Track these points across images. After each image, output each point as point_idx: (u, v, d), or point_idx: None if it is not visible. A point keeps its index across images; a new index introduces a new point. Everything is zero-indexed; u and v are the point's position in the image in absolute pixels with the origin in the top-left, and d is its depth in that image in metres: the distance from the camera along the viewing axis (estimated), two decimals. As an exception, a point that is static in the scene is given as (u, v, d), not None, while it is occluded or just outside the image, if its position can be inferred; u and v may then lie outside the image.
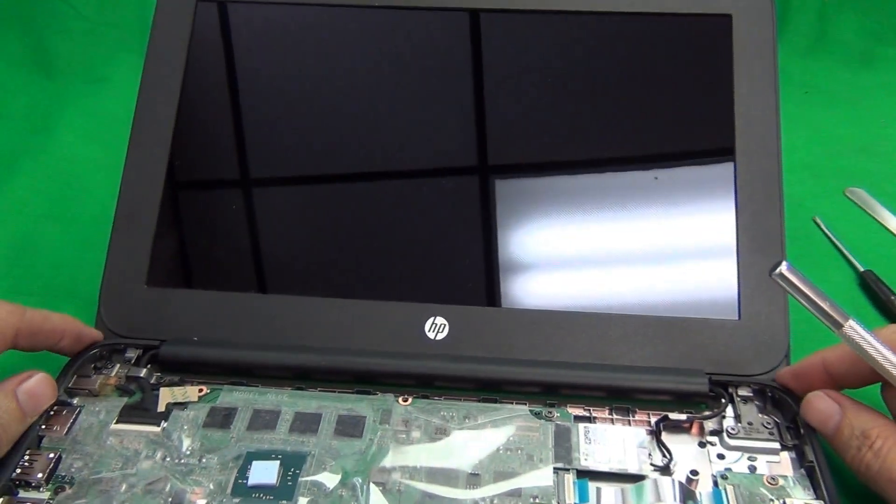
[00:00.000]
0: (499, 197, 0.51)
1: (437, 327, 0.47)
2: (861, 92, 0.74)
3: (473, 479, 0.40)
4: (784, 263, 0.36)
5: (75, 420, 0.43)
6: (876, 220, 0.60)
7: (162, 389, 0.44)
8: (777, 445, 0.42)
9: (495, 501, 0.39)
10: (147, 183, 0.50)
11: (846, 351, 0.40)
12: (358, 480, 0.40)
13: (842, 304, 0.37)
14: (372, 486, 0.40)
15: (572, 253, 0.49)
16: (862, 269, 0.55)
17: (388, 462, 0.41)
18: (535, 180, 0.52)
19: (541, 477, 0.40)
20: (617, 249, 0.49)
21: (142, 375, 0.45)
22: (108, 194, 0.52)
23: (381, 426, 0.43)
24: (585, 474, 0.41)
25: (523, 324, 0.47)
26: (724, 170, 0.49)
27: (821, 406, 0.40)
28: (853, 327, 0.36)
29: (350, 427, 0.43)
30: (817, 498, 0.39)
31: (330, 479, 0.40)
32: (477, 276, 0.49)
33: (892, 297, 0.52)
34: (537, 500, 0.39)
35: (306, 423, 0.43)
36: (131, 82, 0.53)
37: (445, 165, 0.52)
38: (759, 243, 0.47)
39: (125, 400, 0.44)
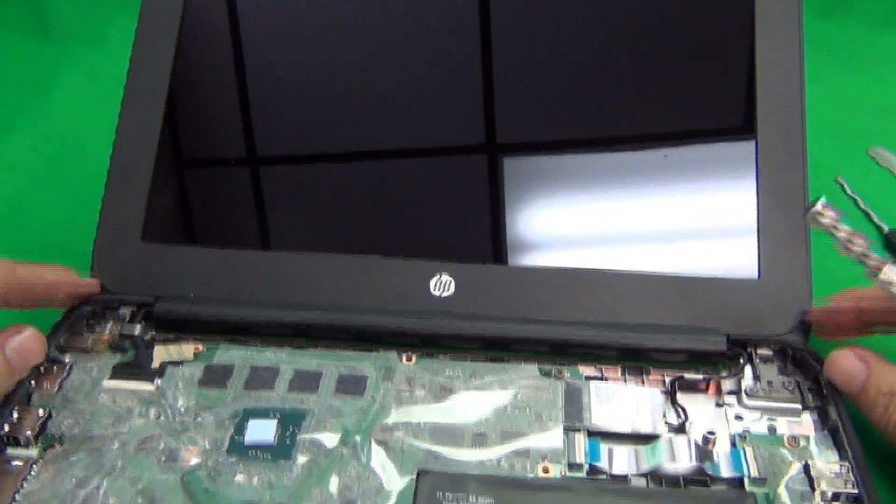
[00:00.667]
0: (507, 167, 0.49)
1: (442, 285, 0.45)
2: (882, 52, 0.72)
3: (479, 439, 0.38)
4: (820, 202, 0.34)
5: (66, 377, 0.41)
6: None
7: (156, 347, 0.43)
8: (798, 406, 0.40)
9: (502, 461, 0.37)
10: (142, 136, 0.48)
11: (881, 294, 0.38)
12: (359, 439, 0.38)
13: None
14: (373, 444, 0.38)
15: (585, 211, 0.47)
16: (886, 230, 0.53)
17: (390, 421, 0.39)
18: (543, 152, 0.49)
19: (550, 437, 0.39)
20: (632, 208, 0.47)
21: (136, 333, 0.44)
22: (105, 154, 0.50)
23: (384, 385, 0.41)
24: (597, 434, 0.39)
25: (533, 282, 0.45)
26: (747, 126, 0.46)
27: (846, 364, 0.38)
28: (890, 273, 0.34)
29: (351, 385, 0.41)
30: (841, 459, 0.37)
31: (330, 438, 0.38)
32: (485, 232, 0.47)
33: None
34: (546, 460, 0.37)
35: (306, 382, 0.41)
36: (129, 42, 0.51)
37: (453, 143, 0.50)
38: (780, 200, 0.45)
39: (118, 357, 0.43)
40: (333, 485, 0.36)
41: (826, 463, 0.37)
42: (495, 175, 0.49)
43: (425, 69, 0.50)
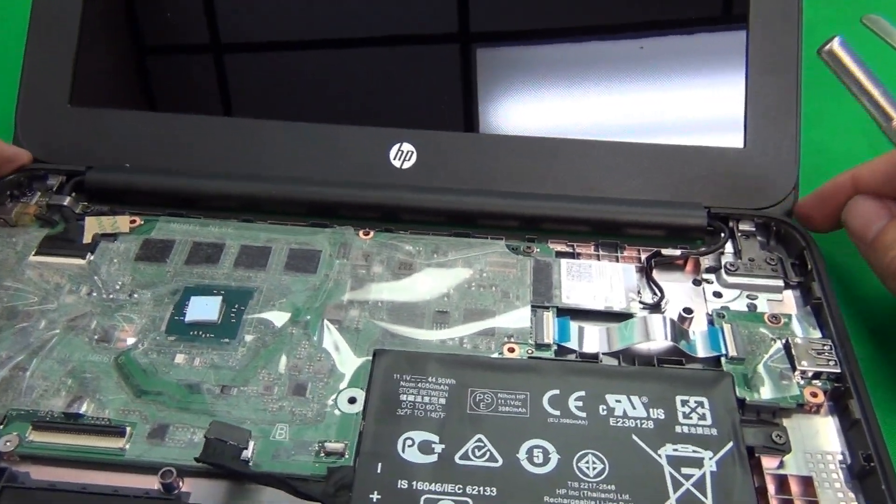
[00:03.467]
0: (479, 49, 0.44)
1: (403, 154, 0.41)
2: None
3: (441, 318, 0.36)
4: (836, 39, 0.30)
5: (-12, 252, 0.38)
6: (894, 47, 0.54)
7: (88, 219, 0.39)
8: (780, 283, 0.38)
9: (465, 341, 0.35)
10: (65, -15, 0.43)
11: (882, 165, 0.35)
12: (310, 318, 0.35)
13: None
14: (326, 323, 0.35)
15: (559, 73, 0.43)
16: (891, 94, 0.49)
17: (344, 299, 0.36)
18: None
19: (517, 316, 0.36)
20: (610, 72, 0.43)
21: (65, 204, 0.40)
22: (25, 5, 0.44)
23: (339, 261, 0.38)
24: (567, 313, 0.36)
25: (501, 151, 0.41)
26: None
27: (868, 208, 0.36)
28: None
29: (303, 261, 0.38)
30: (824, 336, 0.35)
31: (279, 317, 0.35)
32: (448, 97, 0.43)
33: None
34: (512, 340, 0.35)
35: (253, 258, 0.38)
36: None
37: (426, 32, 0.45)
38: (771, 64, 0.41)
39: (46, 231, 0.39)
40: (282, 366, 0.33)
41: (808, 341, 0.34)
42: (467, 53, 0.44)
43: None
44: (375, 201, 0.40)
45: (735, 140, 0.41)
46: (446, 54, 0.45)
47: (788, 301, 0.37)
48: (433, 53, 0.45)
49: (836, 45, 0.29)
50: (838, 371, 0.33)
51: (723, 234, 0.39)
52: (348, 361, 0.34)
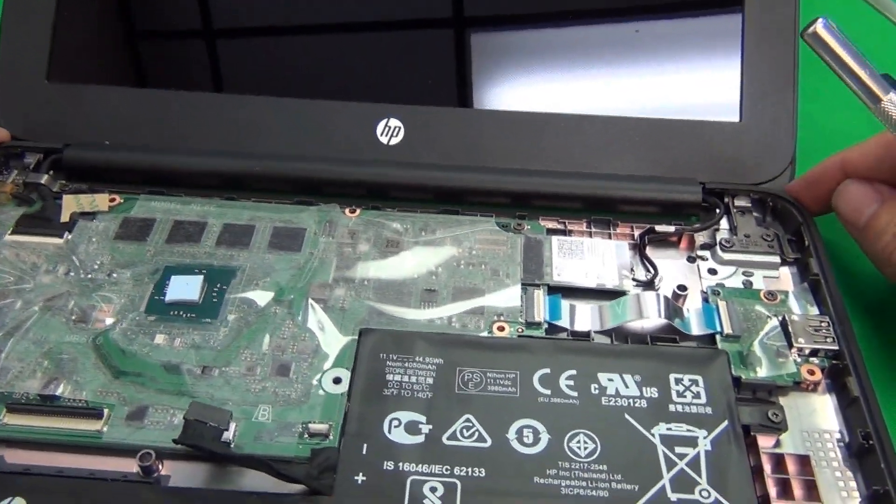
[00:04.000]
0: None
1: (390, 130, 0.40)
2: None
3: (429, 296, 0.35)
4: (820, 21, 0.29)
5: (-37, 232, 0.37)
6: (891, 20, 0.53)
7: (66, 197, 0.38)
8: (777, 259, 0.37)
9: (453, 320, 0.34)
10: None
11: (873, 147, 0.35)
12: (294, 297, 0.34)
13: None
14: (311, 302, 0.34)
15: (553, 55, 0.42)
16: (879, 73, 0.48)
17: (330, 277, 0.35)
18: None
19: (507, 294, 0.35)
20: (605, 53, 0.42)
21: (42, 182, 0.39)
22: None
23: (324, 239, 0.37)
24: (558, 291, 0.35)
25: (491, 127, 0.40)
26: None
27: (857, 194, 0.35)
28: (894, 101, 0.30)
29: (287, 240, 0.37)
30: (822, 313, 0.34)
31: (262, 296, 0.34)
32: (437, 72, 0.42)
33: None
34: (502, 319, 0.34)
35: (236, 236, 0.37)
36: None
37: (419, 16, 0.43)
38: (767, 37, 0.40)
39: (23, 210, 0.38)
40: (265, 346, 0.33)
41: (805, 318, 0.34)
42: (459, 32, 0.43)
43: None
44: (362, 178, 0.39)
45: (731, 114, 0.40)
46: (437, 33, 0.43)
47: (785, 278, 0.37)
48: (423, 32, 0.44)
49: (819, 27, 0.29)
50: (836, 348, 0.32)
51: (718, 210, 0.38)
52: (333, 341, 0.33)
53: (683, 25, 0.42)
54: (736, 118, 0.40)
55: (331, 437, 0.30)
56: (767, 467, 0.30)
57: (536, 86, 0.42)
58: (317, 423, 0.30)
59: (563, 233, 0.38)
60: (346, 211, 0.38)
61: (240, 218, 0.38)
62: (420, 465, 0.29)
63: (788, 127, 0.39)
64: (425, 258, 0.36)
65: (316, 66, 0.42)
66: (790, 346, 0.33)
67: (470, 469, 0.29)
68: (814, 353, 0.33)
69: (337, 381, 0.31)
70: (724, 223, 0.38)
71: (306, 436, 0.30)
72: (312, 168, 0.39)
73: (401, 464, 0.29)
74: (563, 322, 0.34)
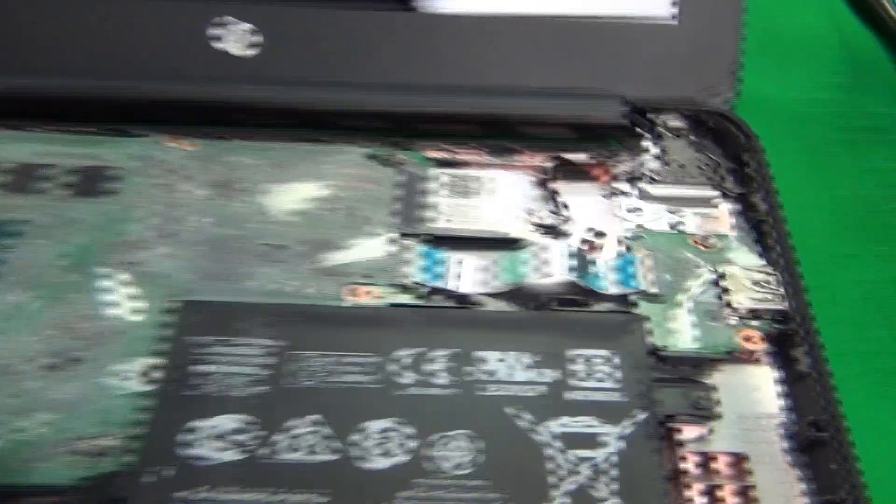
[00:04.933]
0: None
1: (228, 35, 0.31)
2: None
3: (272, 253, 0.27)
4: None
5: None
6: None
7: None
8: (714, 193, 0.30)
9: (308, 284, 0.26)
10: None
11: None
12: (93, 259, 0.26)
13: None
14: (114, 267, 0.26)
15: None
16: None
17: (142, 233, 0.27)
18: None
19: (374, 247, 0.27)
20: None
21: None
22: None
23: (138, 181, 0.29)
24: (442, 242, 0.28)
25: (361, 32, 0.32)
26: None
27: None
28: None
29: (89, 184, 0.28)
30: (768, 263, 0.27)
31: (54, 258, 0.26)
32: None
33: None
34: (365, 282, 0.26)
35: (21, 179, 0.28)
36: None
37: None
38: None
39: None
40: (42, 329, 0.25)
41: (746, 269, 0.27)
42: None
43: None
44: (191, 97, 0.30)
45: (664, 12, 0.32)
46: None
47: (724, 217, 0.30)
48: None
49: None
50: (784, 309, 0.26)
51: (645, 133, 0.31)
52: (140, 320, 0.25)
53: None
54: (669, 17, 0.32)
55: (131, 454, 0.22)
56: (692, 467, 0.23)
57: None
58: (107, 437, 0.22)
59: (452, 164, 0.30)
60: (171, 142, 0.30)
61: (23, 154, 0.29)
62: (242, 492, 0.22)
63: (732, 30, 0.32)
64: (273, 203, 0.28)
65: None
66: (726, 305, 0.26)
67: (307, 494, 0.22)
68: (756, 314, 0.26)
69: (140, 375, 0.24)
70: (651, 149, 0.31)
71: (95, 455, 0.22)
72: (123, 87, 0.30)
73: (215, 491, 0.22)
74: (448, 283, 0.27)
